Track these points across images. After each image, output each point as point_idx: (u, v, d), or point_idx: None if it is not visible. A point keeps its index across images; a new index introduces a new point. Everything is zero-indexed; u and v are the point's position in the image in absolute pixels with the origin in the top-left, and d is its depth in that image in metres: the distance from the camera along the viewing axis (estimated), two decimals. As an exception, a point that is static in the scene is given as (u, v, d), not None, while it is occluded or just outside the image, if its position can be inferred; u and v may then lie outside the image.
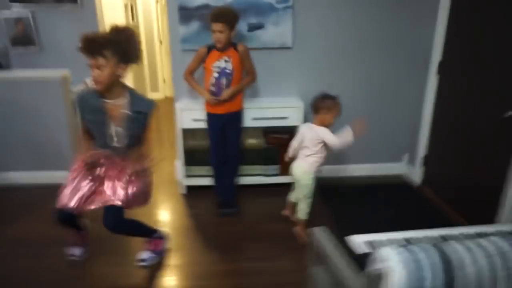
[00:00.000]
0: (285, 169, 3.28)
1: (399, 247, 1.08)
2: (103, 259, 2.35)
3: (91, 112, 2.07)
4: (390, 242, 1.59)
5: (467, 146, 2.68)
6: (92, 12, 4.01)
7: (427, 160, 3.22)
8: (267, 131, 3.28)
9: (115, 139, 2.09)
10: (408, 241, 1.59)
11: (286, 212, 2.81)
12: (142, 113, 2.09)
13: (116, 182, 2.11)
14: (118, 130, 2.07)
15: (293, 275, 2.19)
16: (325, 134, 2.38)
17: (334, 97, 2.45)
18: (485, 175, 2.49)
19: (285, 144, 3.20)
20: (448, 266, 1.03)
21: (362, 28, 3.11)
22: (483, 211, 2.52)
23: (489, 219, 2.39)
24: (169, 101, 7.08)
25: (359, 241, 1.59)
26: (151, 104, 2.15)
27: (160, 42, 6.84)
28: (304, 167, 2.48)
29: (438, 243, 1.12)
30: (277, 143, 3.20)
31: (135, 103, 2.08)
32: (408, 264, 1.02)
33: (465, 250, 1.09)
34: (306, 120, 3.25)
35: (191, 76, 2.80)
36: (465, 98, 2.69)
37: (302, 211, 2.53)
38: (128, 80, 5.18)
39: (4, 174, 3.36)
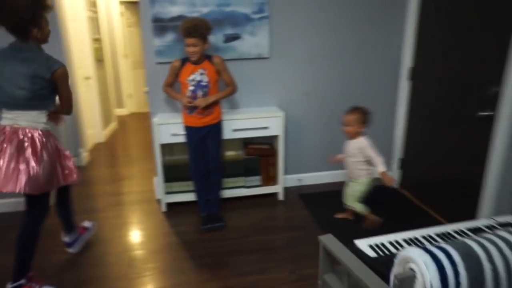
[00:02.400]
0: (266, 180, 3.26)
1: (421, 249, 1.08)
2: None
3: None
4: (392, 244, 1.59)
5: (442, 147, 2.79)
6: (55, 27, 3.82)
7: (403, 163, 3.33)
8: (246, 142, 3.25)
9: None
10: (409, 242, 1.61)
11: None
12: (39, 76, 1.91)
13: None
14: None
15: (292, 285, 2.15)
16: (365, 146, 2.61)
17: (356, 110, 2.63)
18: (462, 174, 2.60)
19: (265, 154, 3.19)
20: (469, 263, 1.04)
21: (337, 36, 3.19)
22: (461, 209, 2.62)
23: (468, 216, 2.48)
24: (136, 117, 6.88)
25: (363, 245, 1.59)
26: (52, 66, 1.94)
27: (126, 56, 6.65)
28: (360, 178, 2.69)
29: (453, 242, 1.13)
30: (257, 154, 3.18)
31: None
32: (433, 264, 1.02)
33: (479, 247, 1.11)
34: (287, 129, 3.26)
35: (169, 87, 2.74)
36: (438, 101, 2.82)
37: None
38: (94, 95, 4.98)
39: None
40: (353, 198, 2.73)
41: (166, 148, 3.09)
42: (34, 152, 1.92)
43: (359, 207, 2.72)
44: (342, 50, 3.24)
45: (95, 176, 3.99)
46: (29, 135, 1.93)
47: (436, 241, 1.60)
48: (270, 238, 2.66)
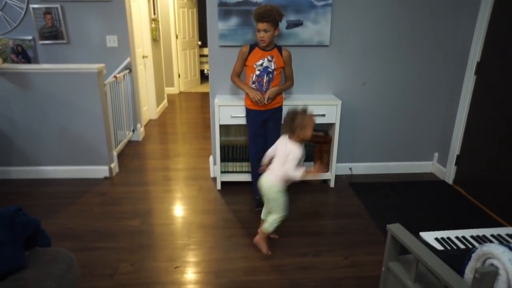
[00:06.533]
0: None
1: (504, 246, 1.11)
2: (151, 253, 2.37)
3: None
4: (460, 239, 1.62)
5: (506, 146, 2.71)
6: (121, 7, 4.00)
7: (459, 160, 3.26)
8: (300, 128, 3.31)
9: None
10: (477, 239, 1.63)
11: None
12: None
13: None
14: None
15: (347, 270, 2.23)
16: (292, 155, 2.19)
17: (302, 113, 2.24)
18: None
19: (320, 141, 3.24)
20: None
21: (399, 26, 3.13)
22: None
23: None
24: (184, 96, 7.10)
25: (429, 237, 1.63)
26: None
27: (176, 37, 6.82)
28: (271, 180, 2.27)
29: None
30: (312, 140, 3.23)
31: None
32: (518, 262, 1.05)
33: None
34: (342, 118, 3.28)
35: (237, 77, 2.83)
36: (504, 99, 2.72)
37: (271, 223, 2.32)
38: (149, 73, 5.19)
39: (38, 168, 3.36)
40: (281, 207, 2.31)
41: (222, 129, 3.21)
42: None
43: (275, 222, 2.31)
44: (402, 41, 3.18)
45: (152, 151, 4.22)
46: None
47: (506, 241, 1.61)
48: (322, 223, 2.74)
